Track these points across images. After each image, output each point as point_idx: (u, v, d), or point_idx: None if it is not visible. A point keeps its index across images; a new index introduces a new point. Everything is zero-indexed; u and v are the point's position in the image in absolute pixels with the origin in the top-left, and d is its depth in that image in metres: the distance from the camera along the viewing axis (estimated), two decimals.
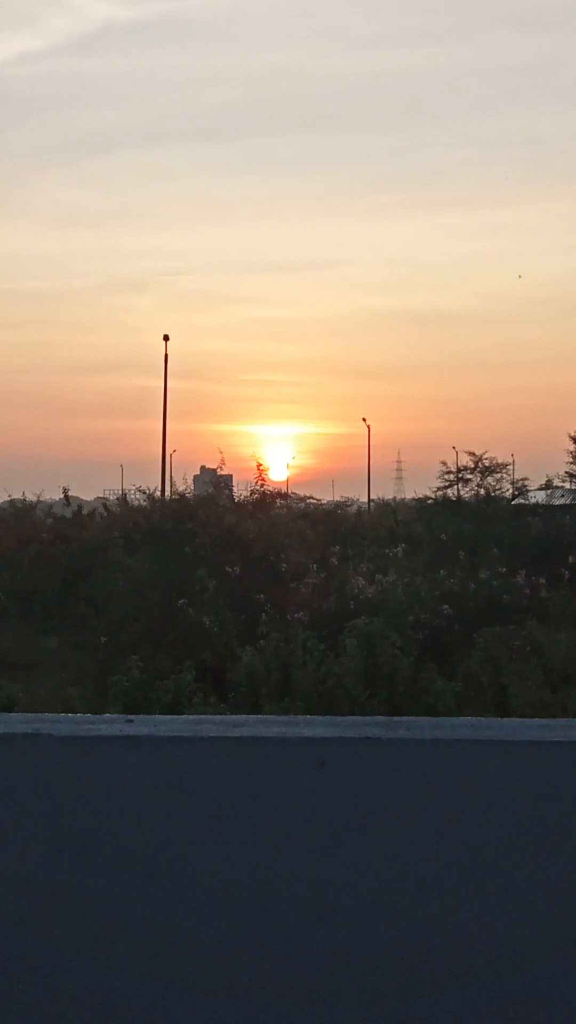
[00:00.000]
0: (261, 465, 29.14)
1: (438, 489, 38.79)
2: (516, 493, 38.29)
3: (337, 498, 43.03)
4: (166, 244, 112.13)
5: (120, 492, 36.57)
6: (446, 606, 18.34)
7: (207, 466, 40.98)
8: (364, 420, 71.87)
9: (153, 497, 31.82)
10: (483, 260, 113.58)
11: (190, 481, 34.34)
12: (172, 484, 34.16)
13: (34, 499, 32.01)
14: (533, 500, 36.72)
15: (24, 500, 32.05)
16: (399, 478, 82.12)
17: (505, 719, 3.00)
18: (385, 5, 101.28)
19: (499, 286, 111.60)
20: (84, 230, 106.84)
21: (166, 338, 53.92)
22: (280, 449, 62.02)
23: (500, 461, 39.50)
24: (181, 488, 31.40)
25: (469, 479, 38.87)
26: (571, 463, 40.68)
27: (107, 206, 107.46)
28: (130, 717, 2.84)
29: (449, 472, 39.56)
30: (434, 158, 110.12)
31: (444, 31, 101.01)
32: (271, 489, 29.40)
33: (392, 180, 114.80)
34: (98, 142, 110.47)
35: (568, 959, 2.58)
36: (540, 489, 39.01)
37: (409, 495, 46.26)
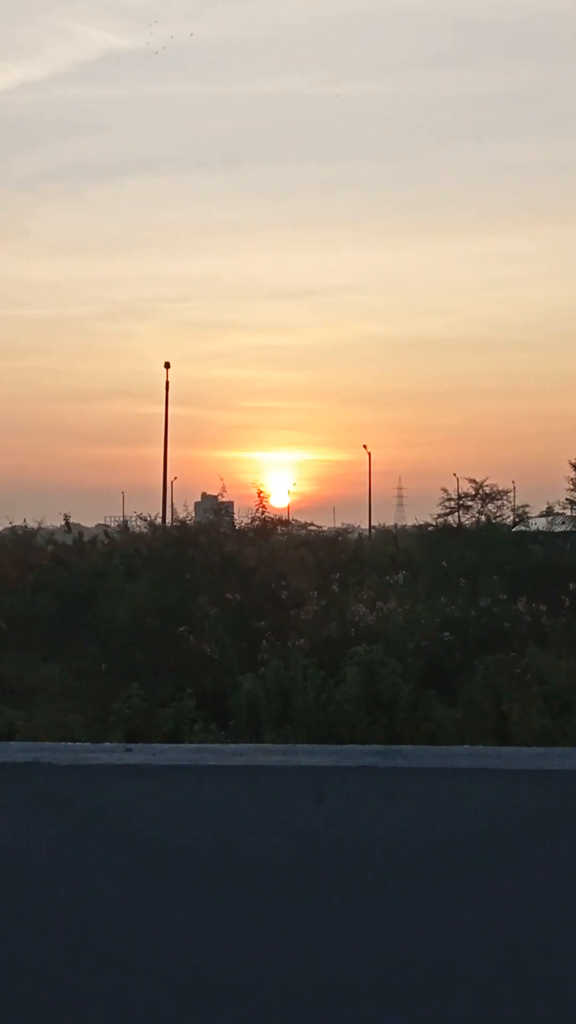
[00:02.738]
0: (262, 492, 29.25)
1: (439, 516, 38.76)
2: (517, 520, 38.31)
3: (338, 525, 42.95)
4: (167, 271, 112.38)
5: (121, 519, 36.62)
6: (447, 633, 18.37)
7: (208, 493, 40.98)
8: (365, 447, 72.00)
9: (154, 524, 31.88)
10: (483, 286, 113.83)
11: (191, 508, 34.26)
12: (173, 511, 34.30)
13: (35, 526, 32.05)
14: (534, 527, 36.72)
15: (25, 527, 32.10)
16: (400, 505, 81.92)
17: (502, 748, 3.02)
18: (385, 33, 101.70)
19: (499, 312, 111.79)
20: (85, 257, 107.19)
21: (167, 365, 54.12)
22: (281, 476, 61.87)
23: (501, 488, 39.52)
24: (182, 515, 31.48)
25: (470, 506, 38.86)
26: (571, 490, 40.67)
27: (108, 233, 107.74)
28: (129, 746, 2.86)
29: (450, 499, 39.51)
30: (435, 185, 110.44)
31: (444, 58, 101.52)
32: (272, 516, 29.49)
33: (393, 207, 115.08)
34: (99, 170, 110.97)
35: (567, 986, 2.59)
36: (541, 516, 39.01)
37: (410, 522, 46.19)
